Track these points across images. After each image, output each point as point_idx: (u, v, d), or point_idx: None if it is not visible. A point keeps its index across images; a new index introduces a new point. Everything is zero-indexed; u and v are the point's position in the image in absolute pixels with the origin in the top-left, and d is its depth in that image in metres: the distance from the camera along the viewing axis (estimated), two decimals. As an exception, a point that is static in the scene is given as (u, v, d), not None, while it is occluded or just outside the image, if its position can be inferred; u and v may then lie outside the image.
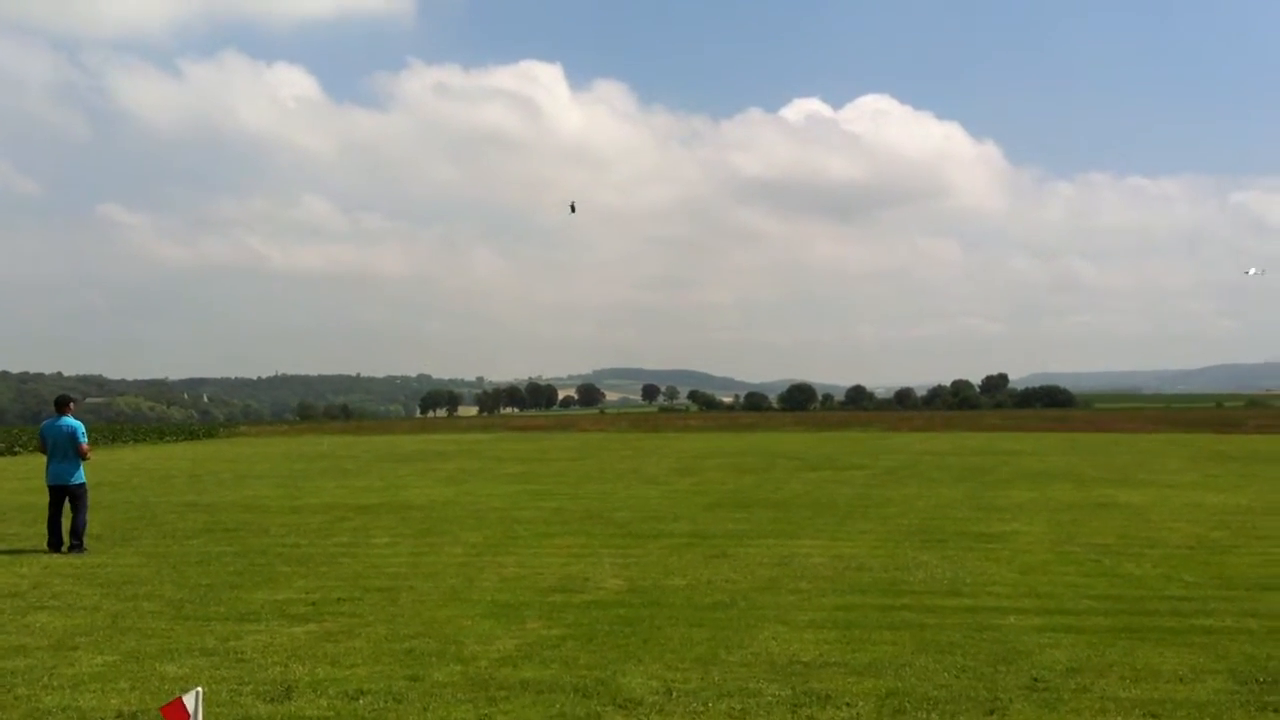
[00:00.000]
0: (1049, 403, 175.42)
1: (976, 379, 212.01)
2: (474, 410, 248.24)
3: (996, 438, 57.51)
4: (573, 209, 47.93)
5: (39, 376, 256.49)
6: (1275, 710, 7.59)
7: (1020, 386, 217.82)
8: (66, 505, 16.35)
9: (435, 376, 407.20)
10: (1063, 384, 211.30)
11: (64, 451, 16.45)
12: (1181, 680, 8.35)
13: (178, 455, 47.94)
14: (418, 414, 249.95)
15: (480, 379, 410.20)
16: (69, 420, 16.56)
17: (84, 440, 16.58)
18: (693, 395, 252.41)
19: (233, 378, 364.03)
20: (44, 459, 16.74)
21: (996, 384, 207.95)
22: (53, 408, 16.95)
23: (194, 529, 18.61)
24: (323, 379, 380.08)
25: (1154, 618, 10.61)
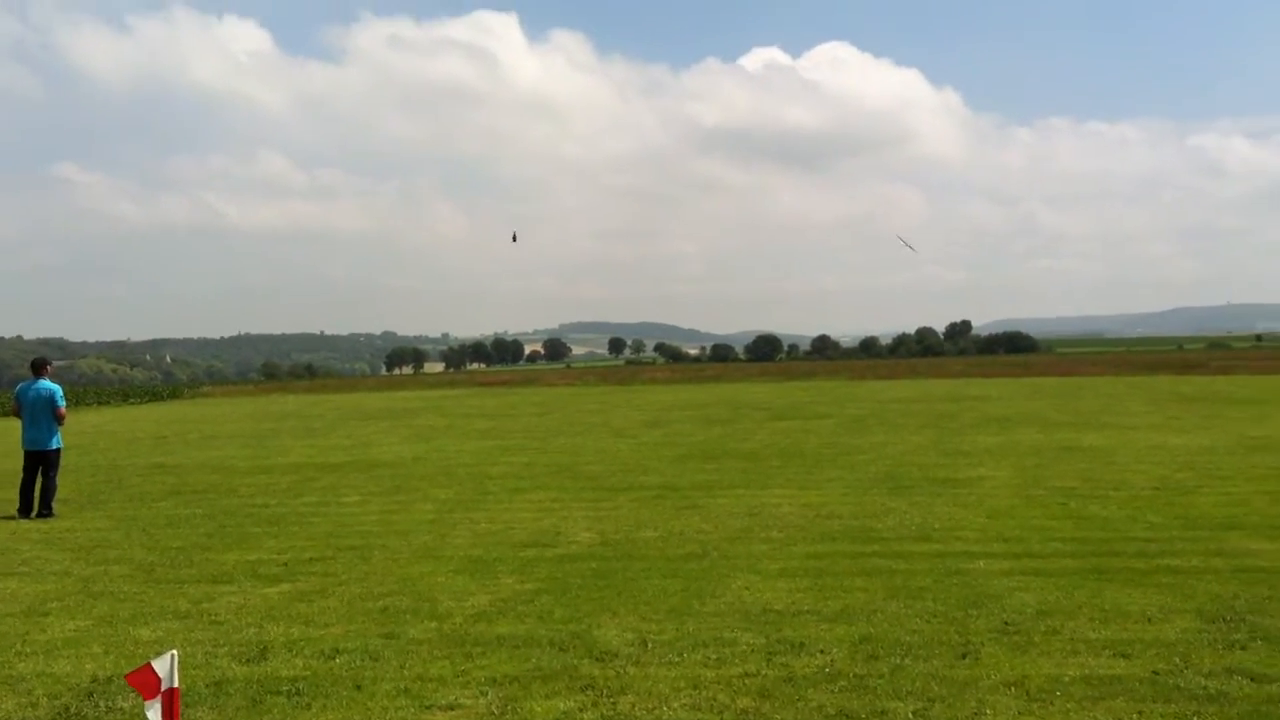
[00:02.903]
0: (1012, 348, 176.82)
1: (940, 326, 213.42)
2: (440, 367, 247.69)
3: (961, 384, 57.95)
4: (514, 238, 47.72)
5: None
6: (1242, 648, 7.70)
7: (984, 333, 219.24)
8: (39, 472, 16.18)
9: (400, 333, 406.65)
10: (1026, 329, 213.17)
11: (42, 415, 16.23)
12: (1149, 620, 8.46)
13: (142, 417, 47.61)
14: (383, 371, 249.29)
15: (445, 335, 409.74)
16: (46, 383, 16.31)
17: (62, 404, 16.34)
18: (659, 348, 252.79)
19: (196, 338, 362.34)
20: (15, 423, 16.49)
21: (960, 331, 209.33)
22: (18, 371, 16.79)
23: (162, 491, 18.51)
24: (286, 338, 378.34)
25: (1121, 559, 10.74)
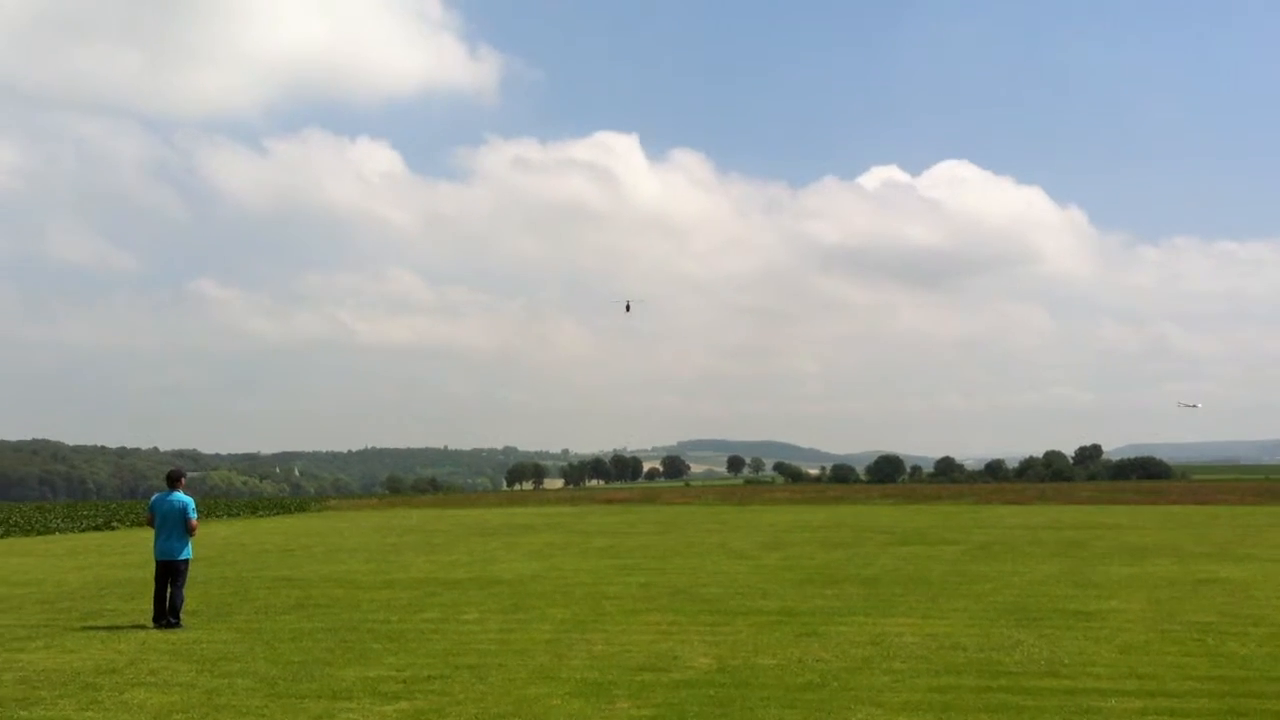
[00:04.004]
0: (1145, 474, 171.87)
1: (1069, 449, 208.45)
2: (560, 482, 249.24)
3: (1092, 511, 56.32)
4: (628, 308, 49.05)
5: (136, 451, 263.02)
6: (1395, 802, 7.29)
7: (1115, 457, 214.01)
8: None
9: (521, 448, 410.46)
10: (1158, 454, 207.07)
11: (174, 527, 16.70)
12: (1294, 768, 8.07)
13: (270, 529, 48.61)
14: (504, 486, 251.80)
15: (565, 451, 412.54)
16: (180, 495, 16.83)
17: (194, 516, 16.81)
18: (779, 467, 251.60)
19: (324, 451, 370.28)
20: (149, 533, 16.97)
21: (1090, 455, 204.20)
22: (154, 482, 17.31)
23: (287, 604, 18.82)
24: (411, 452, 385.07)
25: (1261, 700, 10.27)
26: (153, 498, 17.43)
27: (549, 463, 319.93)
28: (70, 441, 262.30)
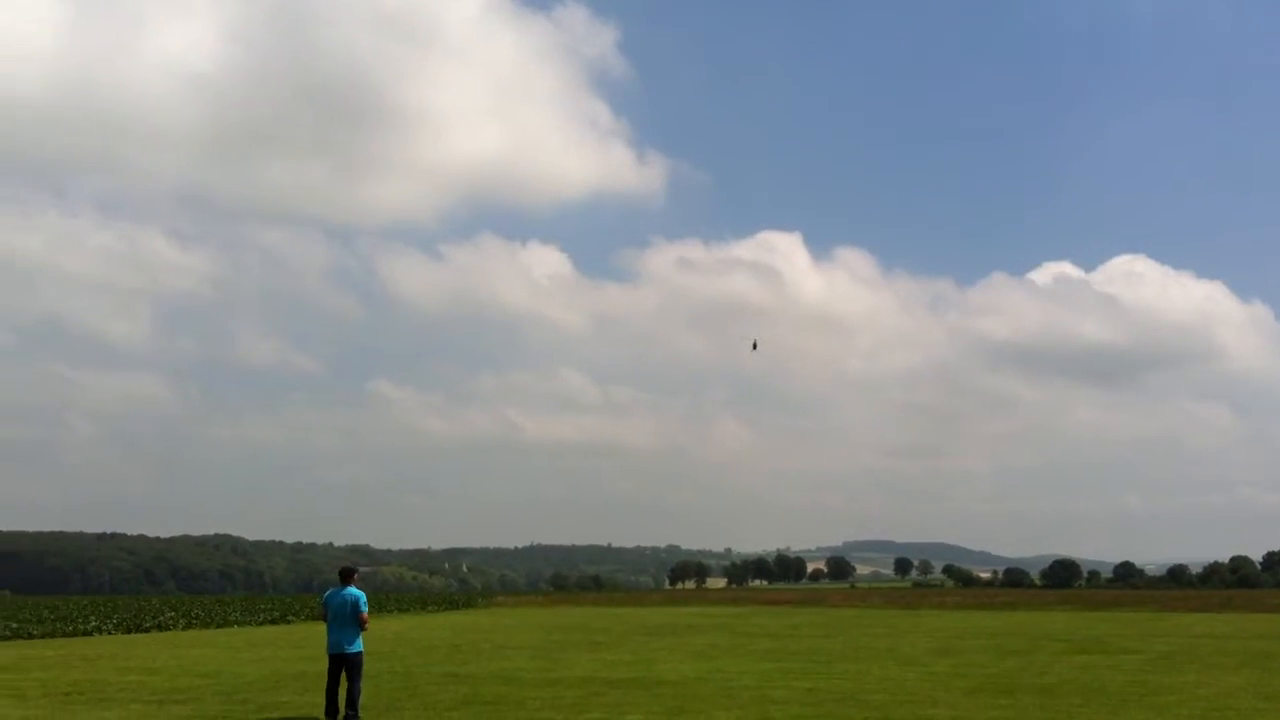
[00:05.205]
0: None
1: (1257, 554, 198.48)
2: (722, 582, 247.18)
3: (1283, 620, 53.41)
4: (755, 346, 48.39)
5: (311, 546, 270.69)
6: None
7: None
8: (342, 675, 17.00)
9: (684, 547, 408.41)
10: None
11: (346, 621, 17.14)
12: None
13: (439, 625, 49.38)
14: (667, 585, 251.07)
15: (728, 550, 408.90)
16: (352, 590, 17.29)
17: (365, 610, 17.25)
18: (948, 570, 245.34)
19: (490, 547, 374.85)
20: (322, 627, 17.47)
21: (1279, 560, 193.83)
22: (328, 575, 17.78)
23: (454, 700, 19.08)
24: (575, 549, 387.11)
25: None
26: (326, 593, 17.96)
27: (711, 561, 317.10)
28: (250, 537, 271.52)
